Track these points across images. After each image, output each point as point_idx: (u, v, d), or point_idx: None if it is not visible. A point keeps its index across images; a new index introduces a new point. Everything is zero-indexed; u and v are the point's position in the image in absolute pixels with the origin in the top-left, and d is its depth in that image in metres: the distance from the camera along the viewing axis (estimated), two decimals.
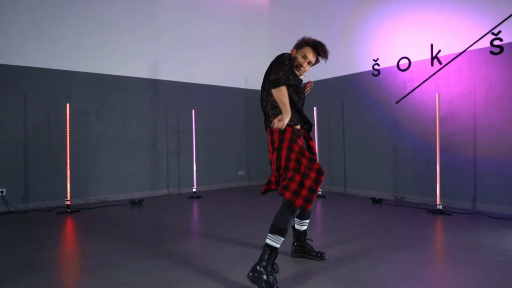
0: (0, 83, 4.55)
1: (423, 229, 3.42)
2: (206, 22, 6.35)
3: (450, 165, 4.45)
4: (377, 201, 4.80)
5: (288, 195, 2.06)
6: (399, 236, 3.17)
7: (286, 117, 2.06)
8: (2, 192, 4.53)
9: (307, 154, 2.20)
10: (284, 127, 2.10)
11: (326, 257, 2.59)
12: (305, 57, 2.38)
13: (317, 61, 2.47)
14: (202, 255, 2.75)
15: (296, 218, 2.58)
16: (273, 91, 2.12)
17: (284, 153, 2.16)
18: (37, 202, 4.75)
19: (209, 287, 2.13)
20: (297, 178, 2.10)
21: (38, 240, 3.22)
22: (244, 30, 6.85)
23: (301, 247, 2.62)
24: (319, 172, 2.13)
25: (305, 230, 2.63)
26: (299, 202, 2.06)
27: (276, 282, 2.03)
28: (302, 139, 2.31)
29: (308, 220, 2.60)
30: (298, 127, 2.31)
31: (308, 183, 2.10)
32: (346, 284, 2.14)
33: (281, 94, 2.10)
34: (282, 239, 2.08)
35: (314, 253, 2.59)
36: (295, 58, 2.39)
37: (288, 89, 2.20)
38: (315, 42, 2.41)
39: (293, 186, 2.08)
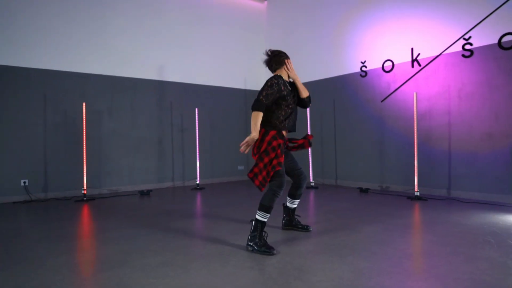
0: (22, 84, 5.06)
1: (398, 210, 3.91)
2: (207, 27, 6.86)
3: (428, 157, 4.94)
4: (363, 190, 5.29)
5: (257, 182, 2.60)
6: (376, 215, 3.67)
7: (251, 138, 2.57)
8: (25, 182, 5.03)
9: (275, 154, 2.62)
10: (250, 145, 2.60)
11: (311, 229, 3.08)
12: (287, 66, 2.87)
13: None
14: (206, 228, 3.24)
15: (288, 197, 3.07)
16: (252, 111, 2.61)
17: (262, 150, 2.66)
18: (55, 192, 5.25)
19: (213, 248, 2.62)
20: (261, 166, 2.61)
21: (63, 220, 3.72)
22: (243, 34, 7.36)
23: (290, 221, 3.12)
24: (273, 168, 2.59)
25: (294, 208, 3.12)
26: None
27: (266, 243, 2.53)
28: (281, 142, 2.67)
29: (298, 201, 3.09)
30: (284, 132, 2.77)
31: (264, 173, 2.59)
32: (324, 245, 2.64)
33: (254, 117, 2.59)
34: (268, 215, 2.61)
35: (300, 226, 3.09)
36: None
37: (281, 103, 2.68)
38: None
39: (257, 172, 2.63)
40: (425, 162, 4.94)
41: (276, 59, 2.82)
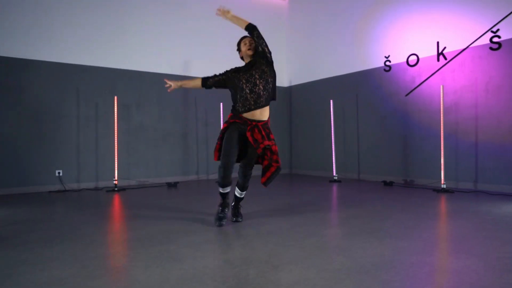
0: (57, 78, 5.27)
1: (426, 201, 3.94)
2: (230, 24, 6.97)
3: (454, 150, 4.94)
4: (388, 184, 5.32)
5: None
6: (404, 205, 3.71)
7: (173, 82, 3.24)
8: (59, 173, 5.24)
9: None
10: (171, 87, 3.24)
11: (240, 220, 3.11)
12: (241, 47, 3.43)
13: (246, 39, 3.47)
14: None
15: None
16: None
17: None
18: (87, 183, 5.45)
19: (250, 228, 2.73)
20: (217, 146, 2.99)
21: (101, 206, 3.88)
22: (264, 31, 7.44)
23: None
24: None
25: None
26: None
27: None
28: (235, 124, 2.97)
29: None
30: (245, 115, 2.95)
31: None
32: (359, 229, 2.71)
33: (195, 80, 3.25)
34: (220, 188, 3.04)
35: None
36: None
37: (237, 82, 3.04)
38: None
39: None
40: (451, 155, 4.95)
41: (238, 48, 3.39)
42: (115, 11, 5.73)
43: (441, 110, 4.74)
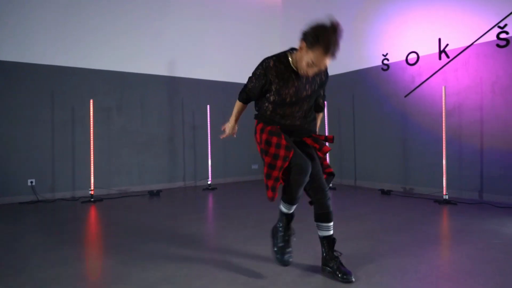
0: (30, 81, 4.89)
1: (426, 216, 3.56)
2: (220, 21, 6.58)
3: (458, 156, 4.54)
4: (385, 192, 4.94)
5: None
6: (401, 222, 3.33)
7: (228, 124, 2.35)
8: (32, 182, 4.88)
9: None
10: (226, 133, 2.33)
11: (353, 279, 2.04)
12: (313, 64, 1.90)
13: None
14: (216, 236, 2.97)
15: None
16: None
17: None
18: (63, 192, 5.08)
19: (220, 262, 2.35)
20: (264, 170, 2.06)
21: (66, 223, 3.52)
22: (257, 28, 7.05)
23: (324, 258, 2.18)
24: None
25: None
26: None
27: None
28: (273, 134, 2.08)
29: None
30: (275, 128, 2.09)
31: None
32: (346, 260, 2.33)
33: (235, 106, 2.30)
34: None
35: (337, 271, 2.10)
36: (301, 56, 1.93)
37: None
38: (330, 41, 1.89)
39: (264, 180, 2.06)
40: (454, 162, 4.55)
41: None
42: (92, 8, 5.33)
43: (443, 113, 4.33)
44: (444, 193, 4.24)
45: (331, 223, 2.12)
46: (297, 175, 1.97)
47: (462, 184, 4.51)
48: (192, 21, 6.25)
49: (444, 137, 4.33)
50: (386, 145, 5.41)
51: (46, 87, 5.01)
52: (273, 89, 2.07)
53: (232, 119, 2.35)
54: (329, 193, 2.13)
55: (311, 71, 1.95)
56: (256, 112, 2.25)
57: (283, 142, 2.01)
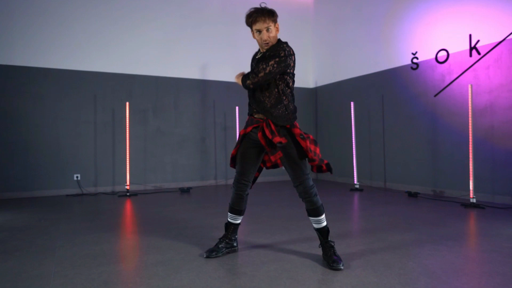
0: (75, 85, 5.45)
1: (445, 221, 3.43)
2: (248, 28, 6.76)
3: (490, 158, 4.30)
4: (412, 195, 4.79)
5: None
6: (418, 224, 3.26)
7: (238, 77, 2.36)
8: (77, 177, 5.42)
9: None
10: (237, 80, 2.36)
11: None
12: (257, 31, 2.40)
13: (266, 20, 2.36)
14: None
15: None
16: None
17: None
18: (104, 187, 5.58)
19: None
20: None
21: (98, 213, 3.91)
22: (289, 29, 7.14)
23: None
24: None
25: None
26: None
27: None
28: (249, 128, 2.29)
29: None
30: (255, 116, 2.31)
31: None
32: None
33: (239, 82, 2.31)
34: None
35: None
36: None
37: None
38: (249, 16, 2.42)
39: None
40: (486, 164, 4.32)
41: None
42: (130, 17, 5.81)
43: (469, 112, 4.14)
44: (471, 196, 4.04)
45: (321, 217, 2.26)
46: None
47: (494, 187, 4.26)
48: (222, 26, 6.52)
49: (470, 138, 4.14)
50: (416, 146, 5.24)
51: (89, 91, 5.54)
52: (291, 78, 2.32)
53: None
54: (315, 190, 2.23)
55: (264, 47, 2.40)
56: (286, 111, 2.23)
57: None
